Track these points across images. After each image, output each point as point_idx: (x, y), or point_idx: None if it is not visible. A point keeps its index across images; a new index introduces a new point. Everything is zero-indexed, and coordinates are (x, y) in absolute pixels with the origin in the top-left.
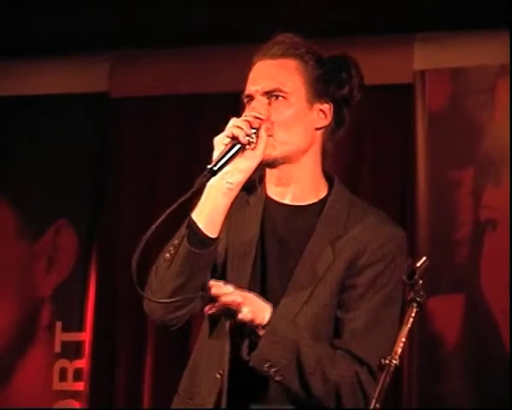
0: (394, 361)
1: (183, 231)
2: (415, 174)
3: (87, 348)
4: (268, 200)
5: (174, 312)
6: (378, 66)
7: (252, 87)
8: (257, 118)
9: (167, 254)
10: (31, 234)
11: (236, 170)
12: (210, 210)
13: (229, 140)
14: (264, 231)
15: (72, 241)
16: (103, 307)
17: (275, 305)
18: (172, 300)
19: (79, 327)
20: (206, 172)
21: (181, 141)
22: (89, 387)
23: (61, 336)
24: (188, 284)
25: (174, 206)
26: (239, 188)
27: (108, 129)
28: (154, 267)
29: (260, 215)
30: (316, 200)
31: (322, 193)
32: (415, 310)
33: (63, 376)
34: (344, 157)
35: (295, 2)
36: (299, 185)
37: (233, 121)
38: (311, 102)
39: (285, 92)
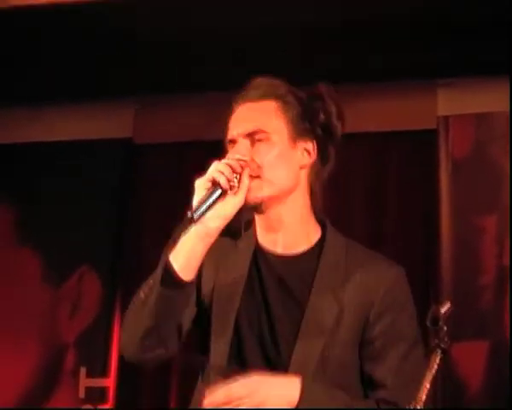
0: (419, 407)
1: (158, 271)
2: (439, 221)
3: (111, 394)
4: (259, 247)
5: (146, 352)
6: (401, 112)
7: (233, 131)
8: (240, 160)
9: (142, 295)
10: (55, 279)
11: (216, 215)
12: (186, 253)
13: (210, 184)
14: (261, 275)
15: (96, 286)
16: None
17: (288, 348)
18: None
19: (103, 373)
20: (185, 220)
21: None
22: None
23: (85, 382)
24: (162, 326)
25: (165, 254)
26: (217, 233)
27: (132, 176)
28: (129, 307)
29: (249, 258)
30: (309, 246)
31: (315, 236)
32: (439, 356)
33: None
34: (366, 205)
35: (311, 44)
36: (291, 231)
37: (215, 165)
38: (294, 141)
39: (267, 132)
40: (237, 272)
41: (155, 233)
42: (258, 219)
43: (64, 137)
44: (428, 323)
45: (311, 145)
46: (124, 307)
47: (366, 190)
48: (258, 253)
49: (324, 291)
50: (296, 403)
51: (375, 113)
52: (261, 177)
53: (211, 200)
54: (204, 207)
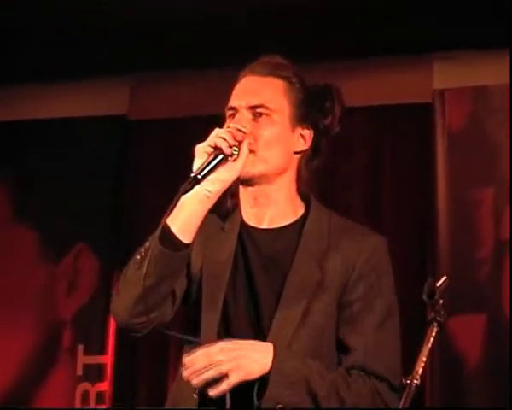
0: (415, 381)
1: (156, 234)
2: (435, 194)
3: (109, 371)
4: (244, 225)
5: (139, 316)
6: (397, 85)
7: (236, 101)
8: (240, 131)
9: (138, 256)
10: (52, 257)
11: (216, 179)
12: (185, 216)
13: (211, 150)
14: (245, 251)
15: (93, 264)
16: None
17: (270, 319)
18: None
19: (101, 350)
20: (189, 180)
21: None
22: None
23: (82, 359)
24: (157, 288)
25: (165, 217)
26: (216, 198)
27: (128, 152)
28: (123, 270)
29: (235, 238)
30: (294, 218)
31: (300, 211)
32: (435, 330)
33: (85, 399)
34: (363, 178)
35: (310, 21)
36: (276, 206)
37: (216, 132)
38: (293, 125)
39: (270, 110)
40: (224, 251)
41: (153, 211)
42: (244, 194)
43: (60, 114)
44: (425, 296)
45: (308, 133)
46: None
47: (362, 164)
48: (244, 230)
49: (307, 259)
50: (268, 369)
51: (370, 87)
52: (256, 152)
53: (213, 164)
54: (206, 169)
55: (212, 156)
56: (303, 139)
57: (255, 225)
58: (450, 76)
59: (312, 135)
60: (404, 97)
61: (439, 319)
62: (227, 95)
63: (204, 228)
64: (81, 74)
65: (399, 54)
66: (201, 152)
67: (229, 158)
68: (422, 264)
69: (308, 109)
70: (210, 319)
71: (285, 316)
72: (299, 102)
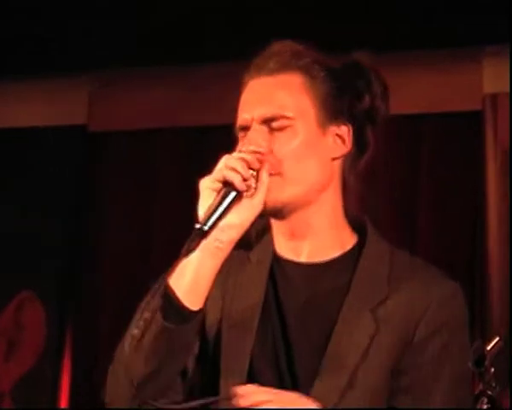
0: None
1: (155, 301)
2: (485, 221)
3: None
4: (278, 258)
5: (143, 404)
6: (437, 89)
7: (246, 115)
8: (256, 153)
9: (135, 331)
10: None
11: (229, 225)
12: (193, 275)
13: (220, 185)
14: (277, 295)
15: (39, 316)
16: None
17: (308, 385)
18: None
19: None
20: (194, 234)
21: (179, 184)
22: None
23: None
24: (162, 372)
25: (167, 276)
26: (231, 247)
27: (87, 172)
28: (119, 346)
29: (266, 276)
30: (342, 252)
31: (350, 243)
32: (485, 407)
33: None
34: (395, 202)
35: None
36: (319, 236)
37: (225, 160)
38: (323, 126)
39: (289, 118)
40: (251, 294)
41: (120, 243)
42: (276, 225)
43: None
44: (471, 363)
45: (345, 130)
46: (76, 348)
47: (395, 184)
48: (276, 265)
49: (359, 307)
50: None
51: (403, 89)
52: (282, 174)
53: (223, 206)
54: (216, 215)
55: (221, 195)
56: (341, 140)
57: (292, 259)
58: (504, 77)
59: (352, 130)
60: (447, 104)
61: (489, 392)
62: (214, 99)
63: (223, 267)
64: (28, 73)
65: (440, 48)
66: (207, 190)
67: (245, 193)
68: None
69: (340, 100)
70: (232, 382)
71: (330, 379)
72: (325, 96)
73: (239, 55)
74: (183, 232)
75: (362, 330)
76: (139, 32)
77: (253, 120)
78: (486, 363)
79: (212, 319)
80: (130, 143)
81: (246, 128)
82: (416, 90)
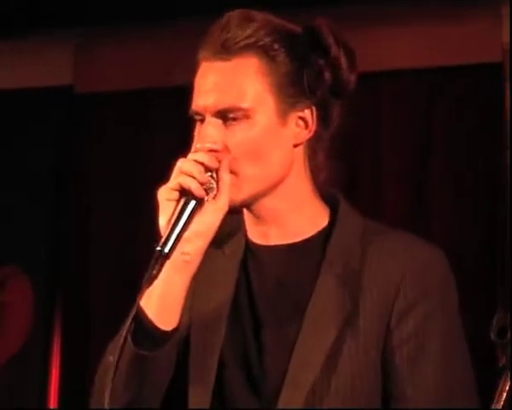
0: None
1: (127, 323)
2: (507, 191)
3: None
4: (250, 246)
5: None
6: (452, 40)
7: (199, 101)
8: (212, 151)
9: (110, 358)
10: None
11: (194, 235)
12: (161, 293)
13: (177, 195)
14: (250, 285)
15: (27, 294)
16: (71, 389)
17: (278, 373)
18: None
19: None
20: (155, 259)
21: (173, 148)
22: None
23: None
24: (138, 400)
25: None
26: (200, 257)
27: (73, 136)
28: (98, 370)
29: (237, 268)
30: (315, 231)
31: (323, 219)
32: (508, 383)
33: None
34: (403, 170)
35: None
36: (287, 218)
37: (180, 165)
38: (283, 114)
39: (245, 109)
40: (220, 291)
41: (106, 226)
42: (245, 211)
43: None
44: (493, 335)
45: (308, 113)
46: (66, 324)
47: (403, 148)
48: (249, 254)
49: (332, 285)
50: None
51: (412, 41)
52: (238, 173)
53: (183, 218)
54: (175, 231)
55: (180, 206)
56: (303, 122)
57: (261, 243)
58: None
59: (315, 111)
60: (464, 56)
61: None
62: None
63: None
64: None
65: None
66: (165, 201)
67: (206, 197)
68: (489, 288)
69: (301, 81)
70: (200, 388)
71: (302, 364)
72: (285, 80)
73: (231, 10)
74: None
75: (337, 310)
76: None
77: (206, 109)
78: (509, 334)
79: (182, 323)
80: (119, 104)
81: (199, 115)
82: (426, 42)
